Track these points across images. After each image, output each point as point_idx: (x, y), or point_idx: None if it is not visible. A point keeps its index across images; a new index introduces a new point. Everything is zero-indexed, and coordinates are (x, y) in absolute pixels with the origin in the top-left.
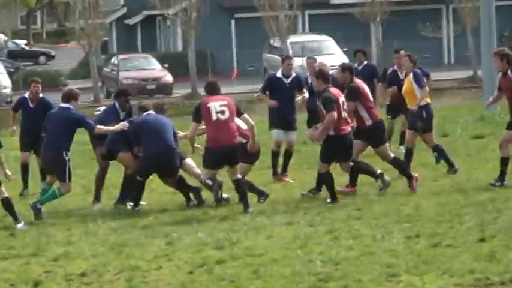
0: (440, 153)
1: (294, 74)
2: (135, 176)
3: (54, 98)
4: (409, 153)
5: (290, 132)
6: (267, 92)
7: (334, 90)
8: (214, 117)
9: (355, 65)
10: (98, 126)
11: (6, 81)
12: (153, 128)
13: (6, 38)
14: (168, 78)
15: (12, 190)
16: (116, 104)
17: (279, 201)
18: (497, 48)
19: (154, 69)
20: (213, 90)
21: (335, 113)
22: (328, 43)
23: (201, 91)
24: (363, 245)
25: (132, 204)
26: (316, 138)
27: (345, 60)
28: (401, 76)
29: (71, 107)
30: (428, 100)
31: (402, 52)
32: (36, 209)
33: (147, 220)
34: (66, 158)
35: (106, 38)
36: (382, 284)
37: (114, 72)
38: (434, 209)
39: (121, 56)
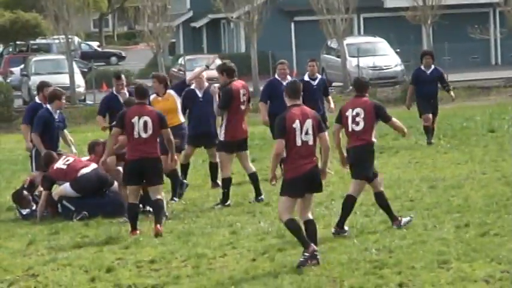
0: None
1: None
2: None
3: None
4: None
5: None
6: None
7: None
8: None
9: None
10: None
11: (80, 81)
12: None
13: (80, 40)
14: None
15: None
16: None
17: (337, 194)
18: None
19: None
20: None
21: None
22: (381, 45)
23: None
24: (416, 234)
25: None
26: None
27: (397, 60)
28: None
29: (48, 107)
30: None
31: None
32: None
33: (212, 211)
34: None
35: (173, 40)
36: (434, 271)
37: (181, 72)
38: (482, 200)
39: (188, 57)
